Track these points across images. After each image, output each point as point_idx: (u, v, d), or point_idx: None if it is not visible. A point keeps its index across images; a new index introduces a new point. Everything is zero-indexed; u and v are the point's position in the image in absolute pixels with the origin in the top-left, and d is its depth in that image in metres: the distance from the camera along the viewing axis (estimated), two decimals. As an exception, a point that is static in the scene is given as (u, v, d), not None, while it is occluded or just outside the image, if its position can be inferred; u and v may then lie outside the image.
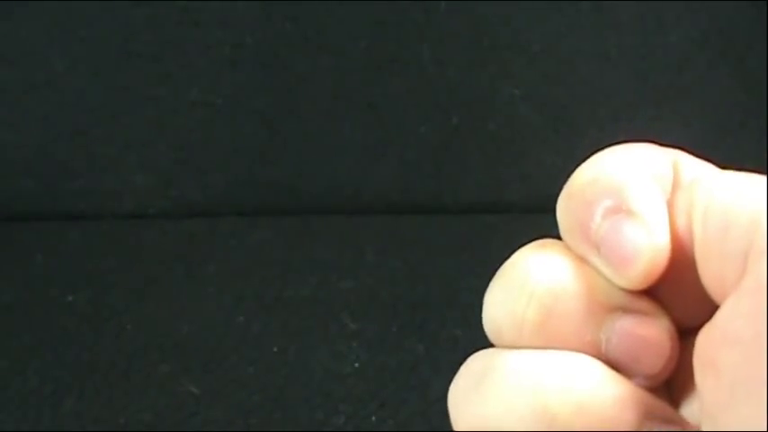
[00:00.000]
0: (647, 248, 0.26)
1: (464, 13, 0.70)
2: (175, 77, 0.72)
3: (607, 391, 0.26)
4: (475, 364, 0.28)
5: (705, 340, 0.24)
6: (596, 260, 0.27)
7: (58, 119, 0.73)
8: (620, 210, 0.26)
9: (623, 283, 0.26)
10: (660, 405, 0.26)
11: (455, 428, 0.28)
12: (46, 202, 0.74)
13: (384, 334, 0.65)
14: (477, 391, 0.27)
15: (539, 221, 0.72)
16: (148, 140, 0.73)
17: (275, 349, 0.65)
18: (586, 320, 0.27)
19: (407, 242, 0.71)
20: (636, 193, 0.26)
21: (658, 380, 0.27)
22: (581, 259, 0.27)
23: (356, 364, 0.63)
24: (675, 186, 0.28)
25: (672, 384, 0.27)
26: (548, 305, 0.27)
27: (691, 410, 0.27)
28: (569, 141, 0.72)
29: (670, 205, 0.27)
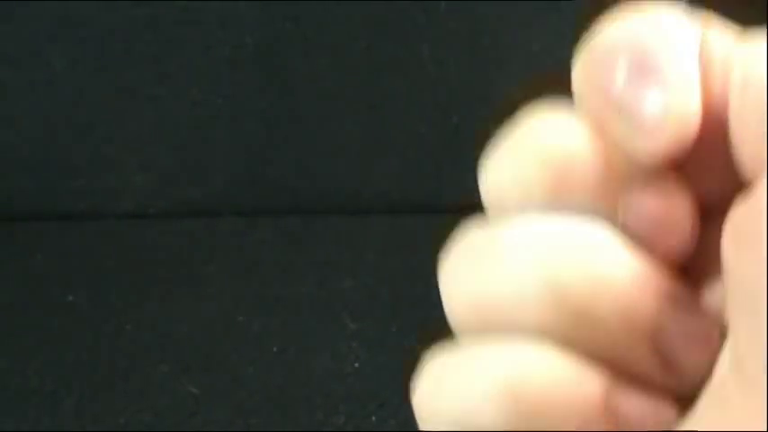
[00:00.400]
0: (674, 115, 0.23)
1: (464, 13, 0.70)
2: (175, 77, 0.72)
3: (627, 268, 0.23)
4: (473, 234, 0.26)
5: (744, 213, 0.22)
6: (616, 126, 0.24)
7: (58, 119, 0.73)
8: (646, 72, 0.24)
9: (645, 151, 0.23)
10: (680, 288, 0.24)
11: (448, 311, 0.26)
12: (46, 202, 0.74)
13: (384, 334, 0.65)
14: (475, 264, 0.25)
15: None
16: (148, 140, 0.73)
17: (275, 349, 0.65)
18: (603, 190, 0.24)
19: (407, 242, 0.71)
20: (665, 55, 0.24)
21: (676, 260, 0.24)
22: (598, 125, 0.25)
23: (356, 364, 0.63)
24: (708, 52, 0.25)
25: (691, 269, 0.24)
26: (562, 170, 0.24)
27: (711, 297, 0.24)
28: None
29: (702, 71, 0.24)
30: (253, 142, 0.73)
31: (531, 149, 0.25)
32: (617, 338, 0.23)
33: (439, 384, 0.25)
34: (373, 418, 0.61)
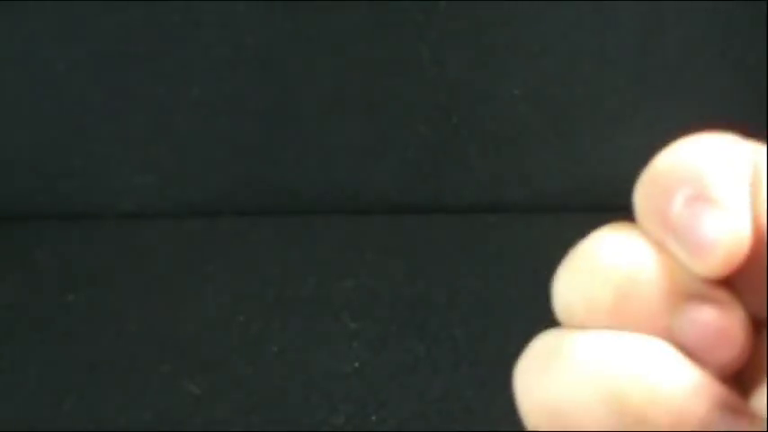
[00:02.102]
0: (727, 237, 0.25)
1: (464, 13, 0.70)
2: (175, 77, 0.72)
3: (681, 380, 0.26)
4: (543, 344, 0.28)
5: None
6: (674, 247, 0.26)
7: (58, 119, 0.73)
8: (700, 197, 0.26)
9: (701, 270, 0.26)
10: (732, 396, 0.26)
11: (521, 409, 0.28)
12: (46, 202, 0.74)
13: (384, 334, 0.65)
14: (544, 372, 0.27)
15: (539, 221, 0.72)
16: (148, 140, 0.73)
17: (275, 349, 0.65)
18: (661, 306, 0.26)
19: (407, 242, 0.71)
20: (717, 181, 0.26)
21: (729, 371, 0.26)
22: (657, 245, 0.27)
23: (356, 364, 0.63)
24: (757, 177, 0.27)
25: (741, 377, 0.27)
26: (623, 288, 0.27)
27: (760, 404, 0.26)
28: (569, 141, 0.72)
29: (752, 195, 0.26)
30: (253, 142, 0.73)
31: (596, 267, 0.27)
32: None
33: None
34: (373, 418, 0.61)
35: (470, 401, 0.61)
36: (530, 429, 0.28)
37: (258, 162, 0.73)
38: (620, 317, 0.27)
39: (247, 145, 0.73)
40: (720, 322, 0.26)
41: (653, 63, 0.71)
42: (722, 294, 0.26)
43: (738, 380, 0.26)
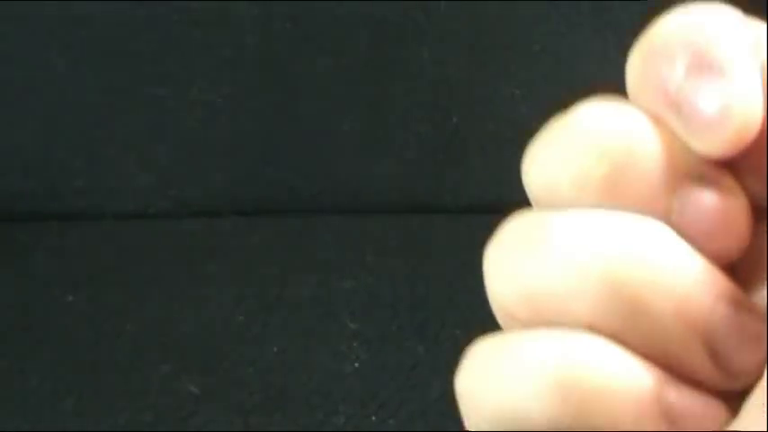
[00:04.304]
0: (736, 111, 0.23)
1: (464, 13, 0.70)
2: (175, 77, 0.72)
3: (685, 264, 0.23)
4: (519, 225, 0.25)
5: None
6: (674, 122, 0.24)
7: (58, 119, 0.72)
8: (707, 66, 0.23)
9: (705, 148, 0.23)
10: (733, 287, 0.24)
11: (494, 300, 0.25)
12: (46, 202, 0.74)
13: (384, 334, 0.65)
14: (523, 252, 0.24)
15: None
16: (148, 140, 0.73)
17: (275, 349, 0.65)
18: (659, 186, 0.24)
19: (407, 242, 0.71)
20: (727, 49, 0.23)
21: (728, 259, 0.24)
22: (655, 119, 0.24)
23: (356, 364, 0.63)
24: (761, 52, 0.24)
25: (738, 268, 0.24)
26: (620, 162, 0.24)
27: (759, 297, 0.24)
28: (569, 141, 0.72)
29: (761, 71, 0.23)
30: (253, 142, 0.73)
31: (589, 138, 0.24)
32: (671, 335, 0.23)
33: (484, 378, 0.25)
34: (373, 418, 0.61)
35: (470, 401, 0.61)
36: (503, 320, 0.25)
37: (258, 162, 0.73)
38: (614, 195, 0.24)
39: (247, 145, 0.73)
40: (723, 206, 0.23)
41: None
42: (726, 176, 0.24)
43: (735, 272, 0.24)
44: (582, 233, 0.24)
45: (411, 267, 0.69)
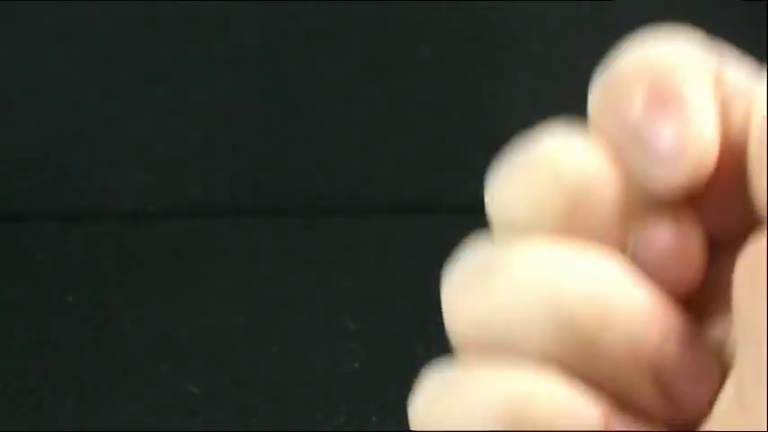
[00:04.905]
0: (690, 146, 0.23)
1: (464, 13, 0.70)
2: (175, 77, 0.72)
3: (634, 299, 0.23)
4: (479, 254, 0.25)
5: (758, 253, 0.22)
6: (632, 155, 0.23)
7: (58, 119, 0.73)
8: (664, 102, 0.23)
9: (661, 182, 0.23)
10: (683, 322, 0.24)
11: (449, 325, 0.25)
12: (46, 202, 0.74)
13: (384, 334, 0.65)
14: (481, 284, 0.24)
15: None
16: (148, 140, 0.73)
17: (275, 349, 0.65)
18: (614, 219, 0.24)
19: (407, 242, 0.71)
20: (683, 85, 0.23)
21: (683, 293, 0.24)
22: (614, 152, 0.24)
23: (356, 364, 0.63)
24: (724, 84, 0.24)
25: (694, 302, 0.24)
26: (576, 196, 0.24)
27: (712, 331, 0.24)
28: (569, 141, 0.72)
29: (720, 104, 0.23)
30: (253, 142, 0.73)
31: (547, 169, 0.25)
32: (619, 368, 0.23)
33: (435, 405, 0.25)
34: (373, 418, 0.61)
35: (470, 401, 0.61)
36: (456, 345, 0.25)
37: (258, 162, 0.73)
38: (570, 227, 0.24)
39: (247, 145, 0.73)
40: (678, 241, 0.23)
41: (653, 63, 0.71)
42: (682, 211, 0.24)
43: (691, 306, 0.24)
44: (534, 266, 0.24)
45: (411, 267, 0.69)
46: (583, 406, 0.23)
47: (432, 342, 0.65)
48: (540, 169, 0.25)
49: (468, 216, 0.73)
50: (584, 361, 0.23)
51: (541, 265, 0.24)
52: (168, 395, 0.62)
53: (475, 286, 0.24)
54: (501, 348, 0.24)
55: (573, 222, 0.24)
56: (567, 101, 0.78)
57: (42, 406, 0.62)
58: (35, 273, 0.70)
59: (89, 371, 0.63)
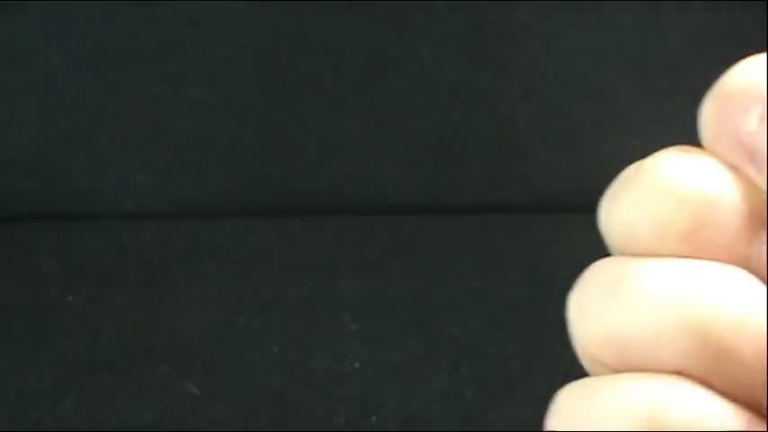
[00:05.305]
0: None
1: (464, 13, 0.70)
2: (175, 77, 0.72)
3: (764, 310, 0.24)
4: (603, 271, 0.26)
5: None
6: (749, 169, 0.24)
7: (58, 119, 0.73)
8: None
9: None
10: None
11: (580, 346, 0.26)
12: (46, 202, 0.74)
13: (384, 334, 0.65)
14: (610, 299, 0.25)
15: (539, 221, 0.72)
16: (148, 140, 0.73)
17: (275, 349, 0.65)
18: (739, 233, 0.24)
19: (407, 242, 0.71)
20: None
21: None
22: (731, 167, 0.25)
23: (356, 364, 0.63)
24: None
25: None
26: (700, 213, 0.24)
27: None
28: (569, 141, 0.72)
29: None
30: (253, 142, 0.73)
31: (670, 190, 0.25)
32: (757, 379, 0.24)
33: (573, 423, 0.25)
34: (373, 418, 0.61)
35: (470, 401, 0.61)
36: (589, 365, 0.26)
37: (258, 162, 0.73)
38: (694, 244, 0.24)
39: (247, 145, 0.73)
40: None
41: (653, 63, 0.71)
42: None
43: None
44: (668, 281, 0.24)
45: (411, 267, 0.69)
46: (725, 415, 0.24)
47: (432, 342, 0.65)
48: (663, 189, 0.25)
49: (469, 216, 0.74)
50: (721, 373, 0.24)
51: (672, 279, 0.24)
52: (168, 395, 0.62)
53: (608, 302, 0.25)
54: (638, 362, 0.25)
55: (697, 239, 0.25)
56: (567, 101, 0.78)
57: (42, 406, 0.62)
58: (35, 273, 0.70)
59: (89, 371, 0.63)
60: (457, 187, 0.73)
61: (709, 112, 0.25)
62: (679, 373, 0.24)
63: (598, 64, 0.71)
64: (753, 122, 0.24)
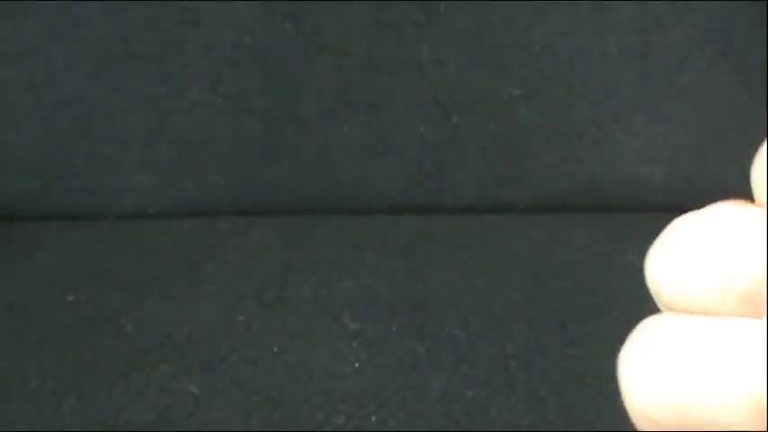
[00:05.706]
0: None
1: (464, 13, 0.70)
2: (175, 77, 0.72)
3: None
4: (668, 331, 0.25)
5: None
6: None
7: (58, 119, 0.73)
8: None
9: None
10: None
11: (636, 409, 0.25)
12: (46, 202, 0.74)
13: (384, 334, 0.65)
14: (682, 364, 0.24)
15: (539, 221, 0.72)
16: (148, 140, 0.73)
17: (275, 349, 0.65)
18: None
19: (407, 242, 0.71)
20: None
21: None
22: None
23: (356, 364, 0.63)
24: None
25: None
26: (761, 273, 0.24)
27: None
28: (569, 141, 0.72)
29: None
30: (253, 142, 0.73)
31: (727, 248, 0.24)
32: None
33: None
34: (373, 418, 0.61)
35: (470, 401, 0.61)
36: (640, 425, 0.25)
37: (258, 162, 0.73)
38: (753, 304, 0.24)
39: (247, 145, 0.73)
40: None
41: (653, 63, 0.71)
42: None
43: None
44: (735, 344, 0.24)
45: (411, 267, 0.69)
46: None
47: (432, 342, 0.65)
48: (726, 247, 0.24)
49: (469, 216, 0.73)
50: None
51: (740, 344, 0.24)
52: (168, 395, 0.62)
53: (673, 366, 0.24)
54: (701, 426, 0.24)
55: (757, 299, 0.24)
56: (567, 101, 0.78)
57: (42, 406, 0.62)
58: (35, 273, 0.70)
59: (89, 371, 0.63)
60: (457, 187, 0.73)
61: (761, 170, 0.25)
62: None
63: (598, 64, 0.71)
64: None
